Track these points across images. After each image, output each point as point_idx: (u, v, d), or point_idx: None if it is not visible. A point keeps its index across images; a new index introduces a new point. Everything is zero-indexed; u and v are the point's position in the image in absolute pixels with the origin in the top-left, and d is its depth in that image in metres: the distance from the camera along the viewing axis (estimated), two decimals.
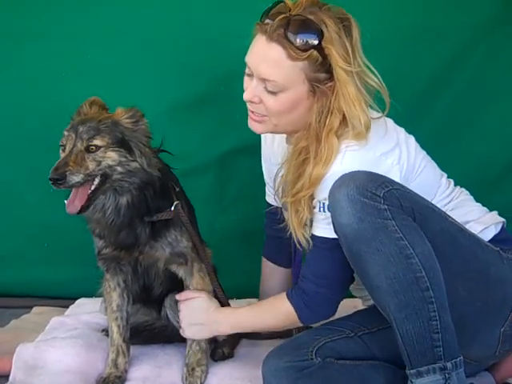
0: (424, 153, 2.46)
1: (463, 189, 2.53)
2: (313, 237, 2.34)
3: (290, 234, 2.40)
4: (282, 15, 2.22)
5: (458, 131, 3.34)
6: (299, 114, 2.31)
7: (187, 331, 2.60)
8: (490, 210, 2.52)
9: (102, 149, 2.35)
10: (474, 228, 2.38)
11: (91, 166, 2.33)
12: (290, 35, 2.21)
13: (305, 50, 2.21)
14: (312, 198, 2.31)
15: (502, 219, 2.47)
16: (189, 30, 3.32)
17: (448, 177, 2.54)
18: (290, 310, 2.38)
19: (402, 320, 2.13)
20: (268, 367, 2.33)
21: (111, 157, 2.36)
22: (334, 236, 2.23)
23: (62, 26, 3.38)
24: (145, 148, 2.43)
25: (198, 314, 2.57)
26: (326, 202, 2.24)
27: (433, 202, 2.36)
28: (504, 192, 3.31)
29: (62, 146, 2.38)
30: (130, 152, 2.39)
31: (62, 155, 2.35)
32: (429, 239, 2.15)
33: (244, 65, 2.36)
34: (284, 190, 2.41)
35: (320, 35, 2.21)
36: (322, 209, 2.28)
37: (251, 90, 2.31)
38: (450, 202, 2.45)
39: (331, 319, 2.45)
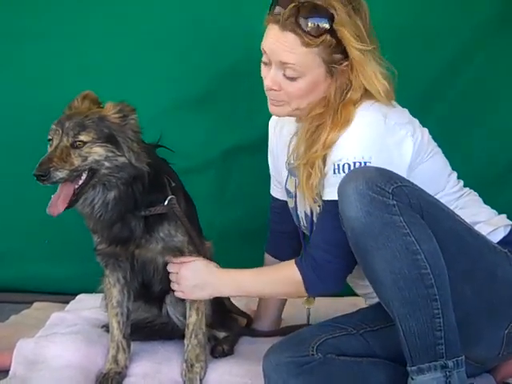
0: (435, 144, 2.48)
1: (472, 190, 2.53)
2: (324, 202, 2.33)
3: (296, 226, 2.38)
4: (292, 4, 2.25)
5: (459, 131, 3.34)
6: (318, 94, 2.35)
7: (188, 292, 2.53)
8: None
9: (87, 144, 2.34)
10: (484, 229, 2.37)
11: (77, 161, 2.33)
12: (302, 22, 2.24)
13: (318, 36, 2.25)
14: (324, 161, 2.32)
15: (511, 222, 2.47)
16: (189, 30, 3.34)
17: None
18: (298, 278, 2.34)
19: (405, 316, 2.12)
20: (269, 362, 2.30)
21: (97, 152, 2.35)
22: None
23: (62, 26, 3.40)
24: (132, 143, 2.42)
25: (200, 273, 2.52)
26: (341, 163, 2.26)
27: (442, 195, 2.38)
28: (504, 192, 3.31)
29: (49, 140, 2.38)
30: (117, 147, 2.38)
31: (49, 150, 2.35)
32: (436, 237, 2.14)
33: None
34: (296, 156, 2.41)
35: (330, 19, 2.25)
36: (336, 170, 2.27)
37: (271, 78, 2.34)
38: (459, 198, 2.45)
39: (333, 317, 2.45)
